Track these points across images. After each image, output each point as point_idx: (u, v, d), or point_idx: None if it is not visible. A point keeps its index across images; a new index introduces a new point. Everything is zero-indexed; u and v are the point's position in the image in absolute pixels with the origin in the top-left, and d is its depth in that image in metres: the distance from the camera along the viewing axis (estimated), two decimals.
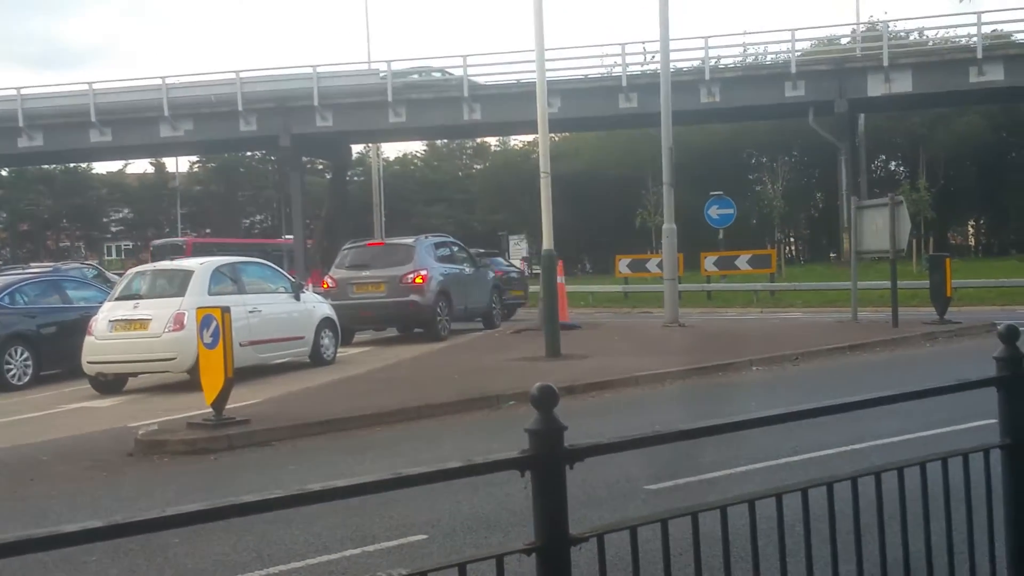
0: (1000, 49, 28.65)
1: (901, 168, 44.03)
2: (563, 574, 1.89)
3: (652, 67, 28.19)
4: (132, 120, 32.22)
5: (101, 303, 11.71)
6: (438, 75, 32.42)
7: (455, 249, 16.77)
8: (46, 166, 45.42)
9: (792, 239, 46.25)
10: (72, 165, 46.79)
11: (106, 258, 47.94)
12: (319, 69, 31.85)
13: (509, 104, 29.53)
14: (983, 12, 30.22)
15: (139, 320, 10.72)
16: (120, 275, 15.75)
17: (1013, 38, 30.03)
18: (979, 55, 27.74)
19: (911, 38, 32.90)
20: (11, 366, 12.04)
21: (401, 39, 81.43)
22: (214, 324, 7.55)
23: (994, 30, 30.19)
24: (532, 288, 20.36)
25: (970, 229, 46.37)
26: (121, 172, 50.77)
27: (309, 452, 7.30)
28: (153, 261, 20.33)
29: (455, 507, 5.16)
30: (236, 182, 50.72)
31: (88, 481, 6.66)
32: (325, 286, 15.44)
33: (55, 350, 12.39)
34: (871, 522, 2.37)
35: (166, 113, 31.82)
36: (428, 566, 1.83)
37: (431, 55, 69.43)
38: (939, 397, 2.73)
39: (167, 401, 10.02)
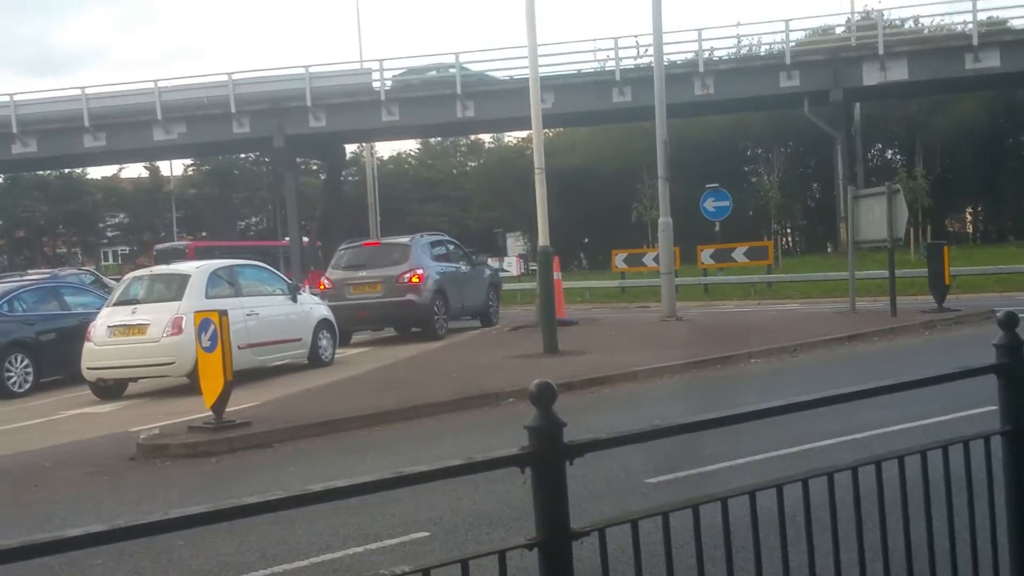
0: (996, 35, 28.64)
1: (898, 156, 44.02)
2: (565, 569, 1.89)
3: (645, 60, 28.17)
4: (125, 124, 32.16)
5: (99, 309, 11.71)
6: (433, 73, 32.30)
7: (451, 247, 16.76)
8: (41, 172, 45.37)
9: (789, 230, 46.25)
10: (67, 171, 46.71)
11: (103, 263, 47.89)
12: (311, 69, 31.80)
13: (503, 100, 29.50)
14: None
15: (137, 325, 10.72)
16: (117, 280, 15.74)
17: (1009, 24, 30.05)
18: (975, 42, 27.73)
19: (906, 26, 32.89)
20: (11, 373, 12.04)
21: (393, 38, 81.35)
22: (212, 328, 7.55)
23: (990, 16, 30.22)
24: (528, 285, 20.35)
25: (968, 216, 46.38)
26: (116, 177, 50.71)
27: (309, 453, 7.31)
28: (156, 264, 20.31)
29: (456, 504, 5.17)
30: (231, 184, 50.64)
31: (91, 486, 6.67)
32: (322, 287, 15.44)
33: (55, 357, 12.39)
34: (872, 511, 2.37)
35: (159, 116, 31.77)
36: (431, 563, 1.83)
37: (423, 53, 69.38)
38: (939, 385, 2.74)
39: (167, 405, 10.02)
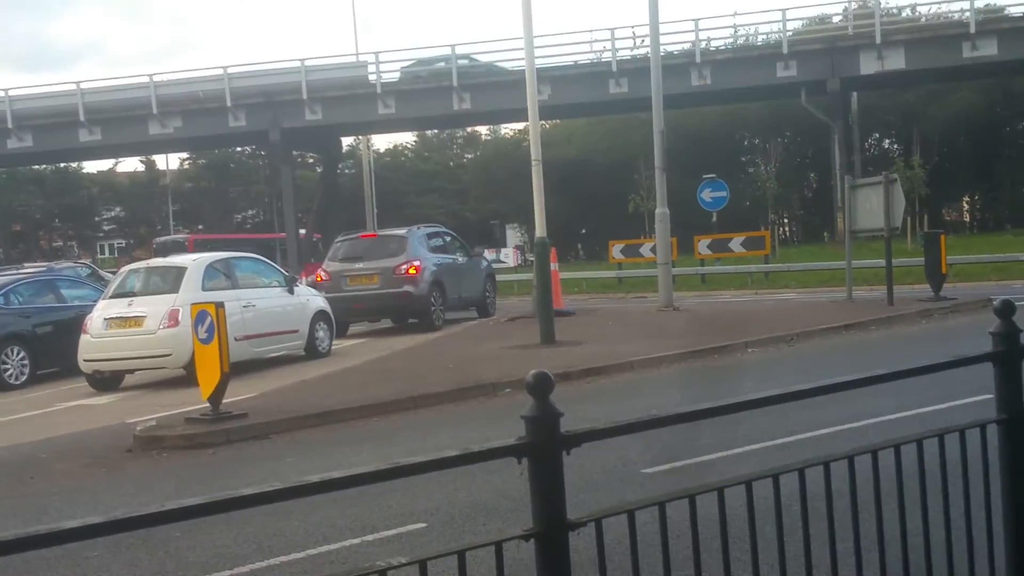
0: (993, 24, 28.58)
1: (895, 146, 43.99)
2: (562, 559, 1.89)
3: (642, 51, 28.07)
4: (121, 119, 32.06)
5: (95, 302, 11.69)
6: (442, 64, 31.92)
7: (448, 239, 16.75)
8: (37, 167, 45.20)
9: (786, 220, 46.26)
10: (63, 165, 46.58)
11: (99, 257, 47.80)
12: (307, 63, 31.69)
13: (499, 92, 29.42)
14: None
15: (134, 317, 10.71)
16: (113, 273, 15.71)
17: (1006, 12, 29.99)
18: (972, 30, 27.67)
19: (903, 14, 32.83)
20: (8, 366, 12.03)
21: (389, 30, 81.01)
22: (209, 319, 7.54)
23: (987, 4, 30.17)
24: (525, 276, 20.34)
25: (964, 205, 46.40)
26: (112, 171, 50.58)
27: (307, 444, 7.31)
28: (156, 257, 20.26)
29: (453, 495, 5.18)
30: (227, 178, 50.51)
31: (87, 478, 6.67)
32: (319, 279, 15.42)
33: (51, 349, 12.38)
34: (869, 500, 2.37)
35: (155, 111, 31.65)
36: (427, 554, 1.83)
37: (419, 45, 69.09)
38: (936, 374, 2.74)
39: (164, 397, 10.02)
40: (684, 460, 5.49)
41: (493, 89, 30.07)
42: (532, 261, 14.77)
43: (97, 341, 10.73)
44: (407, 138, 51.97)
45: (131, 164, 50.85)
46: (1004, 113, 40.99)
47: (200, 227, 47.74)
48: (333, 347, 12.85)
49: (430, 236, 16.12)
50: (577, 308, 16.43)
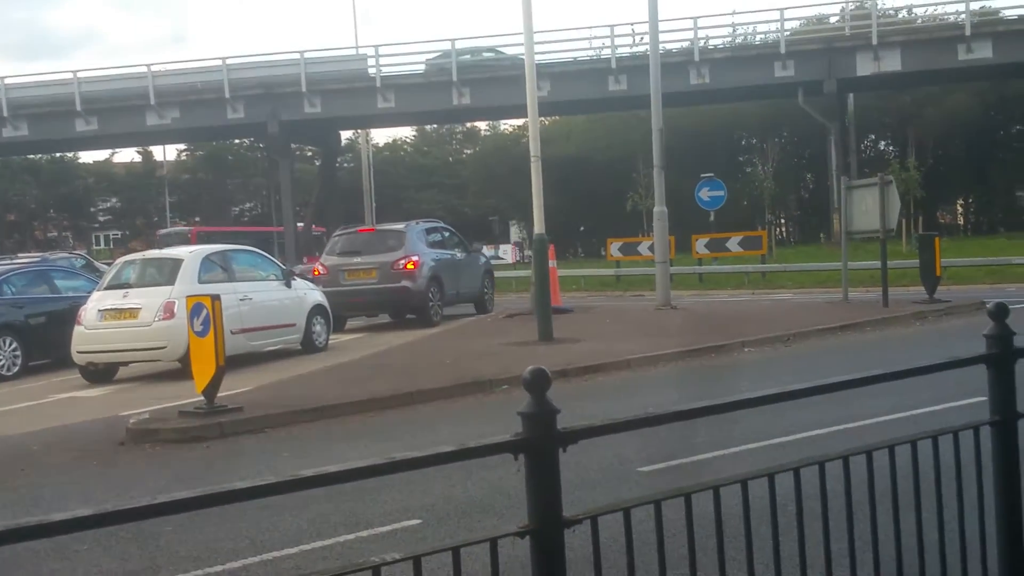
0: (989, 26, 28.62)
1: (890, 147, 44.10)
2: (557, 557, 1.89)
3: (641, 49, 28.03)
4: (118, 109, 31.93)
5: (90, 293, 11.65)
6: (468, 57, 31.52)
7: (446, 234, 16.74)
8: (32, 156, 45.03)
9: (783, 220, 46.34)
10: (58, 155, 46.39)
11: (94, 248, 47.65)
12: (307, 55, 31.59)
13: (499, 88, 29.37)
14: None
15: (129, 309, 10.67)
16: (109, 265, 15.66)
17: (1002, 15, 30.01)
18: (968, 32, 27.71)
19: (900, 16, 32.84)
20: (0, 357, 11.98)
21: (389, 23, 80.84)
22: (204, 312, 7.52)
23: (983, 7, 30.20)
24: (524, 273, 20.33)
25: (959, 208, 46.52)
26: (108, 161, 50.40)
27: (302, 439, 7.30)
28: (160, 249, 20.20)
29: (449, 491, 5.17)
30: (224, 170, 50.39)
31: (79, 470, 6.65)
32: (316, 273, 15.40)
33: (44, 340, 12.34)
34: (863, 500, 2.38)
35: (152, 101, 31.53)
36: (422, 550, 1.83)
37: (418, 39, 68.96)
38: (930, 375, 2.74)
39: (158, 390, 9.99)
40: (680, 459, 5.50)
41: (493, 84, 30.02)
42: (530, 258, 14.78)
43: (91, 333, 10.69)
44: (406, 132, 51.93)
45: (127, 155, 50.80)
46: (999, 117, 41.10)
47: (197, 219, 47.64)
48: (330, 342, 12.84)
49: (429, 231, 16.11)
50: (575, 306, 16.43)
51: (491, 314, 16.21)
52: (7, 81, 32.77)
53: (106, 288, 11.17)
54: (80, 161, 49.62)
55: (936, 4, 31.71)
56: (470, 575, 2.09)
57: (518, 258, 36.27)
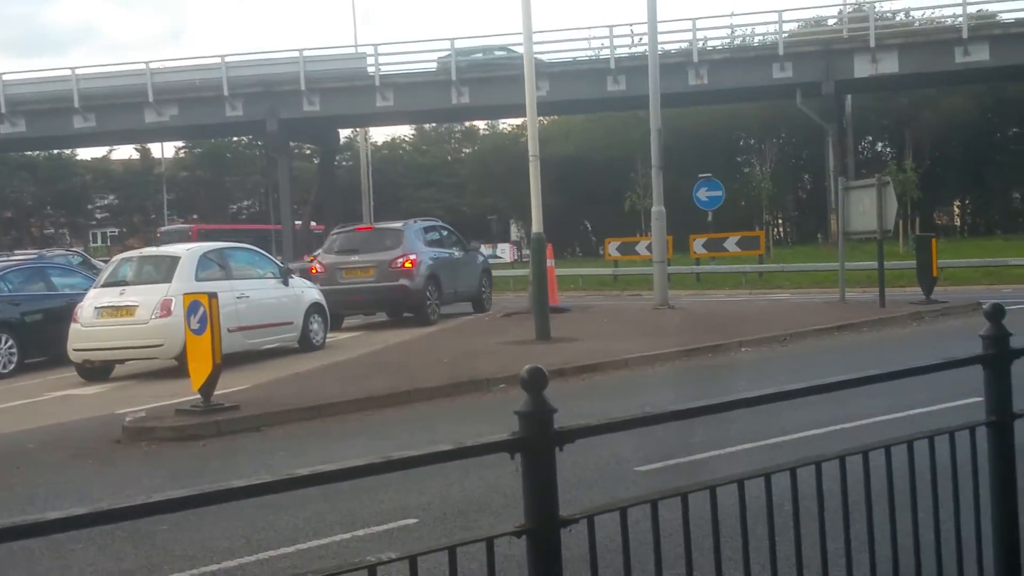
0: (985, 29, 28.68)
1: (888, 149, 44.12)
2: (554, 556, 1.89)
3: (640, 49, 28.06)
4: (116, 106, 31.88)
5: (86, 290, 11.62)
6: (479, 55, 31.48)
7: (444, 233, 16.73)
8: (29, 152, 44.94)
9: (780, 221, 46.37)
10: (56, 151, 46.30)
11: (91, 245, 47.58)
12: (306, 53, 31.56)
13: (498, 87, 29.36)
14: None
15: (126, 307, 10.65)
16: (106, 262, 15.63)
17: (998, 18, 30.07)
18: (965, 35, 27.77)
19: (897, 19, 32.95)
20: None
21: (389, 22, 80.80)
22: (201, 310, 7.51)
23: (980, 10, 30.24)
24: (521, 272, 20.31)
25: (956, 209, 46.59)
26: (106, 158, 50.30)
27: (299, 437, 7.29)
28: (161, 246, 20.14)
29: (446, 490, 5.17)
30: (223, 168, 50.31)
31: (75, 469, 6.63)
32: (314, 271, 15.38)
33: (40, 337, 12.31)
34: (859, 500, 2.38)
35: (150, 98, 31.49)
36: (418, 550, 1.82)
37: (418, 38, 68.97)
38: (927, 376, 2.75)
39: (154, 388, 9.98)
40: (677, 458, 5.50)
41: (492, 84, 30.02)
42: (528, 257, 14.77)
43: (88, 330, 10.67)
44: (405, 131, 51.87)
45: (125, 152, 50.69)
46: (995, 119, 41.14)
47: (195, 216, 47.56)
48: (328, 340, 12.82)
49: (427, 230, 16.10)
50: (573, 305, 16.43)
51: (489, 313, 16.21)
52: (5, 77, 32.72)
53: (103, 285, 11.15)
54: (78, 158, 49.54)
55: (933, 7, 31.84)
56: (466, 575, 2.09)
57: (516, 257, 36.29)
